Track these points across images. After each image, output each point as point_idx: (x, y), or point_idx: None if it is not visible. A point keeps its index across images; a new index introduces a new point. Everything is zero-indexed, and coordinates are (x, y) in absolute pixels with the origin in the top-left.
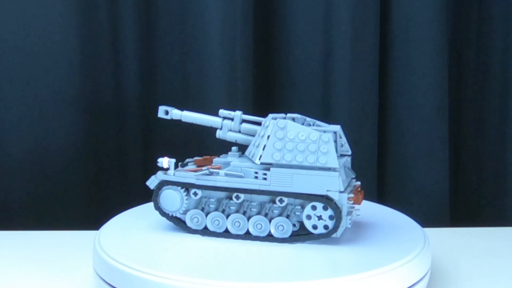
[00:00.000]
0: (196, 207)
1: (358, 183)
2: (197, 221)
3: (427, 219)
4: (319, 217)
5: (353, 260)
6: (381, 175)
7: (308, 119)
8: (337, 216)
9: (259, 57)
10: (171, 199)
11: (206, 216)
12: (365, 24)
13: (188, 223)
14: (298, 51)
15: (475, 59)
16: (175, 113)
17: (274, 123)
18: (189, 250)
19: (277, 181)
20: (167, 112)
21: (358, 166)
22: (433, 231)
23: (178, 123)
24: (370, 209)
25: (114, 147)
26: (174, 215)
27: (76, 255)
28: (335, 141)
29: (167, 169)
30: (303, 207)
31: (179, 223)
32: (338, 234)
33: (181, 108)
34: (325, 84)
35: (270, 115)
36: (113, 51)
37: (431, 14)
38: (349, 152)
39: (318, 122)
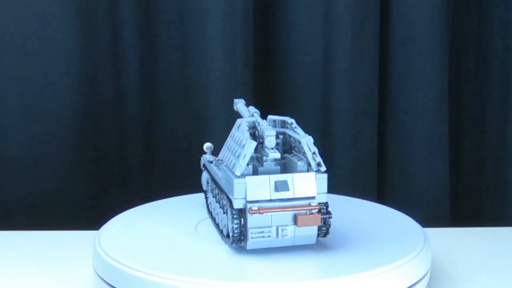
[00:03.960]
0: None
1: (313, 204)
2: (208, 203)
3: (427, 219)
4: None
5: (353, 260)
6: (381, 175)
7: (294, 124)
8: (234, 224)
9: (259, 57)
10: (203, 179)
11: None
12: (365, 24)
13: (208, 204)
14: (298, 51)
15: (475, 59)
16: (238, 106)
17: (236, 122)
18: (189, 250)
19: (223, 177)
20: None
21: (358, 166)
22: (433, 231)
23: (178, 123)
24: (370, 209)
25: (114, 147)
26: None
27: (76, 255)
28: (306, 153)
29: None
30: None
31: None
32: (245, 245)
33: (182, 106)
34: (325, 84)
35: (270, 117)
36: (113, 51)
37: (431, 14)
38: (322, 169)
39: (299, 130)
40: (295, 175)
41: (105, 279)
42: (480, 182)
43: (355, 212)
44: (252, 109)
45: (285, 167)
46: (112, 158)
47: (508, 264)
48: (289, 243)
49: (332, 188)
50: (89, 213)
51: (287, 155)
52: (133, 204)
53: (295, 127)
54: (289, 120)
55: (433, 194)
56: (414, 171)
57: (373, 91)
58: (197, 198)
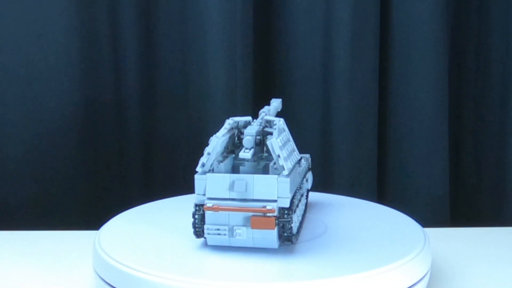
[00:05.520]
0: None
1: (269, 207)
2: None
3: (427, 219)
4: None
5: (353, 260)
6: (381, 175)
7: (276, 126)
8: (195, 220)
9: (259, 57)
10: None
11: None
12: (365, 24)
13: None
14: (298, 51)
15: (475, 59)
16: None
17: None
18: (189, 250)
19: None
20: None
21: (358, 166)
22: (433, 231)
23: (178, 123)
24: (370, 209)
25: (114, 147)
26: None
27: (76, 255)
28: (273, 155)
29: None
30: None
31: None
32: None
33: (182, 106)
34: (325, 84)
35: (265, 117)
36: (113, 51)
37: (431, 14)
38: (285, 172)
39: (275, 131)
40: (256, 176)
41: (105, 279)
42: (480, 182)
43: (355, 212)
44: (264, 108)
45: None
46: (112, 158)
47: (507, 264)
48: (249, 244)
49: (332, 188)
50: (89, 213)
51: None
52: (133, 204)
53: (275, 128)
54: (275, 121)
55: (433, 194)
56: (414, 171)
57: (373, 91)
58: None
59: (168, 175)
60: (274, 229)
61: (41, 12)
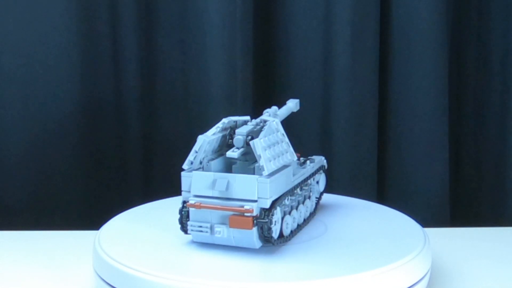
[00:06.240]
0: None
1: (247, 207)
2: None
3: (427, 219)
4: None
5: (353, 260)
6: (381, 175)
7: (266, 127)
8: (182, 215)
9: (259, 57)
10: None
11: None
12: (365, 24)
13: None
14: (298, 51)
15: (475, 59)
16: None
17: None
18: (188, 250)
19: None
20: None
21: (358, 166)
22: (433, 231)
23: (178, 123)
24: (370, 209)
25: (114, 147)
26: None
27: (76, 255)
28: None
29: None
30: None
31: None
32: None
33: (182, 106)
34: (325, 84)
35: (263, 117)
36: (113, 51)
37: (431, 14)
38: (265, 173)
39: (263, 132)
40: (238, 176)
41: (105, 279)
42: (480, 182)
43: (355, 212)
44: (271, 108)
45: None
46: (112, 158)
47: (507, 264)
48: (231, 243)
49: (332, 188)
50: (89, 213)
51: None
52: (133, 204)
53: (264, 129)
54: (269, 121)
55: (433, 194)
56: (414, 171)
57: (373, 91)
58: None
59: (168, 175)
60: (251, 229)
61: (41, 12)
